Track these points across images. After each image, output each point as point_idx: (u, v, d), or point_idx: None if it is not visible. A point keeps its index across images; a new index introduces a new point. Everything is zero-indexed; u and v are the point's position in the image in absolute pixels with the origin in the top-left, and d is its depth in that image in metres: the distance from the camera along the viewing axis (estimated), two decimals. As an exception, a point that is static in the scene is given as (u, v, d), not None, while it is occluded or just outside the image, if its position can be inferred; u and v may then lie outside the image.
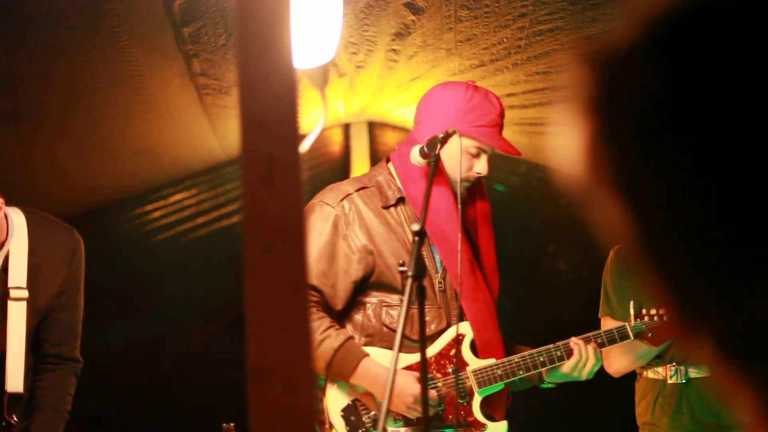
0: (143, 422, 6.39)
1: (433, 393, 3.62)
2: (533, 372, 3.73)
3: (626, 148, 0.88)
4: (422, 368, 2.76)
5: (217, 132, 5.67)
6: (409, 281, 2.71)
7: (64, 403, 4.11)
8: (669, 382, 4.46)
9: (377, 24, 4.46)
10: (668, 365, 4.44)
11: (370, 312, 3.66)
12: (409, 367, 3.60)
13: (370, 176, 3.83)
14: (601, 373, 4.72)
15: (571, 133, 0.94)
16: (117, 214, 6.61)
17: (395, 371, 2.60)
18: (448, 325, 3.69)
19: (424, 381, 2.85)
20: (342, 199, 3.69)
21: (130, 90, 4.91)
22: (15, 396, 3.97)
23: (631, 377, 4.72)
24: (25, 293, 3.99)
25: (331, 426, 3.63)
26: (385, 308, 3.66)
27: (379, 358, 3.60)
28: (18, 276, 4.00)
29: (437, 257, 3.73)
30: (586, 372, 3.71)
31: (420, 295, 2.73)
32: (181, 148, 5.80)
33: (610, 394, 5.46)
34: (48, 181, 5.78)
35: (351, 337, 3.61)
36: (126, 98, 5.01)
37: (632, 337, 3.90)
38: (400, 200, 3.73)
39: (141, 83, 4.85)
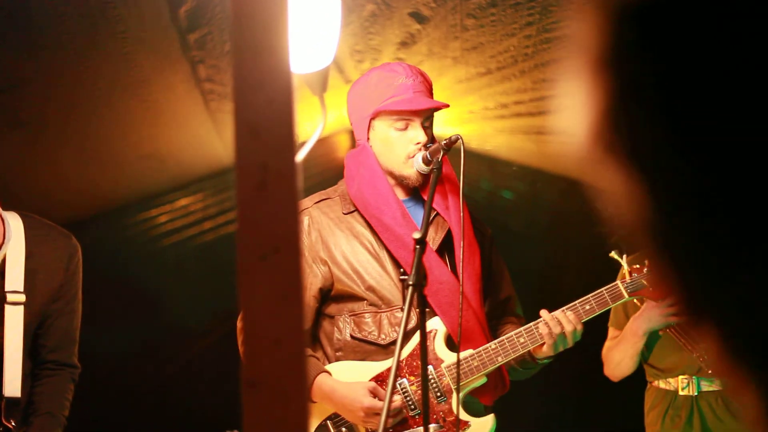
0: (147, 428, 6.38)
1: (396, 399, 3.48)
2: (516, 355, 3.52)
3: (642, 113, 0.84)
4: (423, 379, 2.72)
5: (222, 137, 5.66)
6: (410, 290, 2.66)
7: (61, 408, 4.09)
8: (680, 393, 4.42)
9: (382, 33, 4.45)
10: (680, 377, 4.41)
11: (339, 324, 3.59)
12: (379, 376, 3.52)
13: (336, 187, 3.76)
14: (607, 382, 4.71)
15: (578, 95, 0.90)
16: (122, 219, 6.61)
17: (394, 383, 2.56)
18: (417, 326, 3.55)
19: (425, 388, 2.79)
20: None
21: (135, 95, 4.90)
22: (12, 401, 3.96)
23: (639, 385, 4.69)
24: (22, 297, 3.98)
25: None
26: (352, 318, 3.57)
27: (347, 371, 3.52)
28: (15, 280, 3.98)
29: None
30: (570, 342, 3.50)
31: (422, 304, 2.69)
32: (187, 153, 5.79)
33: (618, 402, 5.44)
34: (51, 186, 5.78)
35: (309, 356, 3.54)
36: (131, 103, 5.00)
37: (627, 296, 3.63)
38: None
39: (146, 89, 4.85)
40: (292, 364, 1.56)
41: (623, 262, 3.78)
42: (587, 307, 3.56)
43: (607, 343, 4.63)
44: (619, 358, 4.51)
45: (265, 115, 1.58)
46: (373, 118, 3.56)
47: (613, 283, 3.63)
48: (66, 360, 4.16)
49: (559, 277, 6.72)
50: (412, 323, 3.42)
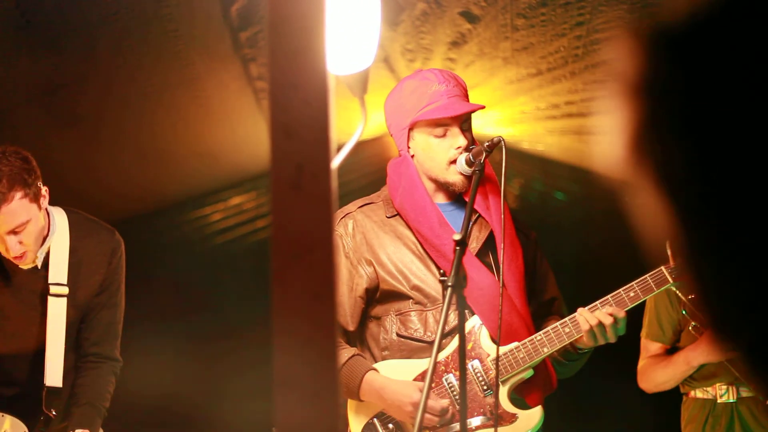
0: (198, 426, 6.43)
1: (443, 401, 3.50)
2: (562, 346, 3.51)
3: (673, 133, 0.85)
4: (461, 375, 2.72)
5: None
6: (449, 291, 2.67)
7: (102, 399, 4.15)
8: (719, 401, 4.35)
9: (433, 32, 4.44)
10: (718, 384, 4.34)
11: (386, 325, 3.62)
12: (426, 372, 3.51)
13: (379, 192, 3.81)
14: (641, 395, 4.66)
15: (616, 116, 0.92)
16: (177, 216, 6.67)
17: (431, 380, 2.57)
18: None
19: (463, 380, 2.79)
20: (342, 218, 3.69)
21: (188, 93, 4.95)
22: (54, 390, 4.03)
23: (674, 399, 4.63)
24: (65, 290, 4.05)
25: None
26: (398, 318, 3.60)
27: (392, 369, 3.56)
28: (58, 272, 4.05)
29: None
30: (611, 336, 3.46)
31: (461, 305, 2.69)
32: (240, 151, 5.83)
33: (653, 415, 5.38)
34: (108, 182, 5.85)
35: (356, 355, 3.57)
36: (184, 101, 5.05)
37: (671, 281, 3.53)
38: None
39: (199, 87, 4.89)
40: (324, 363, 1.57)
41: (667, 248, 3.71)
42: (632, 294, 3.53)
43: (647, 360, 4.55)
44: (663, 380, 4.45)
45: (300, 116, 1.59)
46: (411, 128, 3.58)
47: (658, 269, 3.55)
48: (108, 353, 4.22)
49: (609, 275, 6.67)
50: (455, 322, 3.43)
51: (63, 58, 4.30)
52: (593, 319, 3.46)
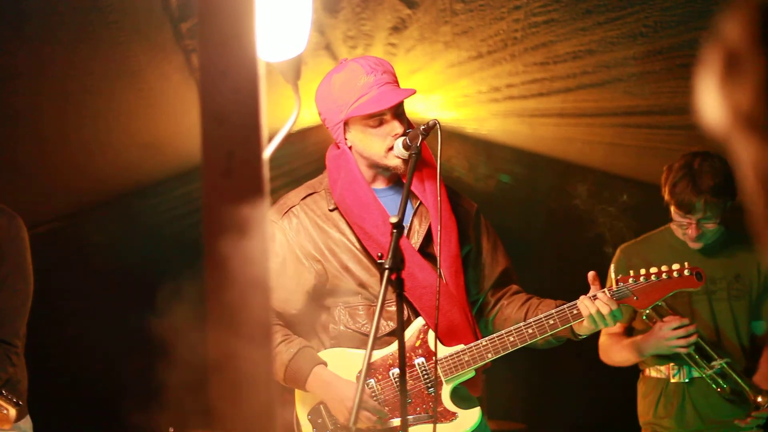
0: (171, 411, 6.42)
1: (378, 412, 3.58)
2: (506, 353, 3.61)
3: None
4: (401, 359, 2.76)
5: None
6: (386, 274, 2.70)
7: None
8: (672, 381, 4.46)
9: (374, 18, 4.46)
10: (671, 364, 4.44)
11: (334, 315, 3.67)
12: (372, 365, 3.59)
13: (321, 178, 3.83)
14: (603, 369, 4.75)
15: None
16: (124, 208, 6.64)
17: (367, 370, 2.60)
18: (410, 319, 3.65)
19: (403, 370, 2.82)
20: (285, 213, 3.71)
21: (131, 85, 4.93)
22: None
23: (632, 375, 4.73)
24: None
25: (300, 430, 3.65)
26: (346, 311, 3.66)
27: (340, 357, 3.62)
28: None
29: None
30: (610, 322, 3.56)
31: (399, 287, 2.72)
32: (184, 141, 5.81)
33: (613, 391, 5.46)
34: (55, 176, 5.81)
35: (306, 347, 3.63)
36: (127, 93, 5.03)
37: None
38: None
39: (141, 78, 4.87)
40: (257, 344, 1.59)
41: (611, 271, 3.86)
42: (551, 322, 3.62)
43: (606, 336, 4.67)
44: (619, 360, 4.60)
45: (230, 103, 1.61)
46: (346, 122, 3.61)
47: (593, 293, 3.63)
48: (3, 337, 4.19)
49: (557, 260, 6.74)
50: (404, 317, 3.48)
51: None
52: (589, 308, 3.54)
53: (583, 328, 3.61)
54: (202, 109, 1.63)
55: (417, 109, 5.77)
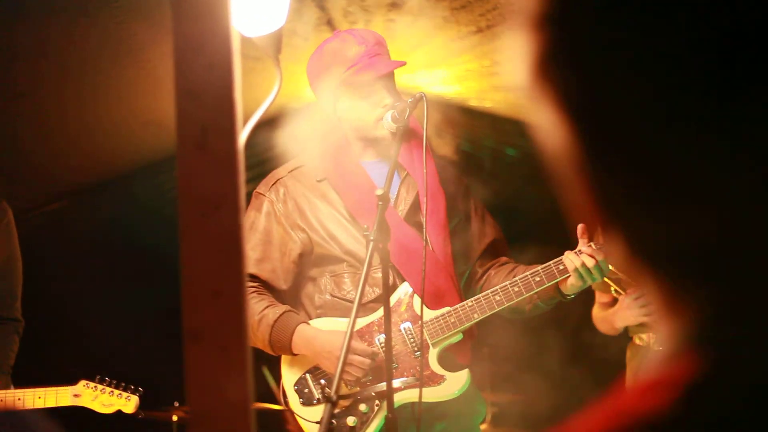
0: (169, 385, 6.48)
1: (372, 348, 3.60)
2: (491, 313, 3.61)
3: (578, 65, 0.86)
4: (386, 324, 2.79)
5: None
6: (371, 245, 2.73)
7: (6, 358, 4.23)
8: (653, 349, 4.47)
9: (373, -7, 4.48)
10: (652, 332, 4.45)
11: (320, 284, 3.69)
12: (358, 332, 3.62)
13: (309, 153, 3.85)
14: (594, 335, 4.79)
15: (521, 50, 0.93)
16: (131, 185, 6.68)
17: (351, 334, 2.62)
18: (395, 284, 3.66)
19: (388, 343, 2.86)
20: (273, 185, 3.75)
21: (133, 64, 4.96)
22: None
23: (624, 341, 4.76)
24: None
25: (287, 402, 3.68)
26: (332, 279, 3.68)
27: (327, 326, 3.63)
28: None
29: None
30: (596, 275, 3.53)
31: (384, 258, 2.75)
32: (187, 120, 5.83)
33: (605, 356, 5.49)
34: (60, 156, 5.85)
35: (288, 311, 3.64)
36: (129, 72, 5.06)
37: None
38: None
39: (143, 57, 4.90)
40: (232, 315, 1.61)
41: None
42: (537, 279, 3.62)
43: (596, 306, 4.72)
44: (604, 330, 4.65)
45: (204, 78, 1.62)
46: (336, 92, 3.63)
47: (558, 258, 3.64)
48: (8, 314, 4.27)
49: (563, 225, 6.73)
50: (390, 284, 3.51)
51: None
52: (574, 262, 3.53)
53: (570, 286, 3.59)
54: (176, 85, 1.65)
55: (420, 84, 5.79)
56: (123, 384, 4.34)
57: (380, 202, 2.79)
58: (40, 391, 4.26)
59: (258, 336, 3.60)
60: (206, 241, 1.60)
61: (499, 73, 5.51)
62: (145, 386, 4.64)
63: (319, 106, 3.75)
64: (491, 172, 6.57)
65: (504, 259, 3.90)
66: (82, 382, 4.33)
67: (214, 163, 1.62)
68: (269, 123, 6.12)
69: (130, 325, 6.13)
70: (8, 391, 4.25)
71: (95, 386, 4.31)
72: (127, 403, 4.31)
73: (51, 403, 4.27)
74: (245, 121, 2.06)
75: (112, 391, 4.31)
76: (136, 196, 6.65)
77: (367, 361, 3.50)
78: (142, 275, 6.37)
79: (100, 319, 6.03)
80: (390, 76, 3.64)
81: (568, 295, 3.65)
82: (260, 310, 3.59)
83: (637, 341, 4.53)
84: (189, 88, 1.61)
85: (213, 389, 1.59)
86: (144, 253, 6.33)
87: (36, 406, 4.24)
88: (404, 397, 3.60)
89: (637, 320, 4.27)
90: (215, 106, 1.61)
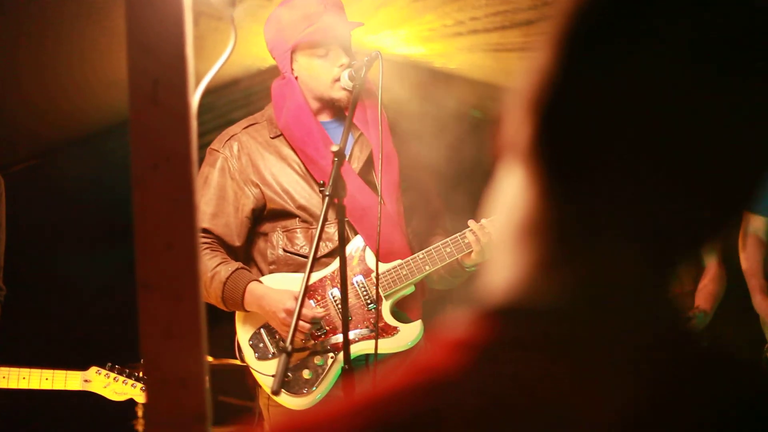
0: (129, 346, 6.50)
1: (317, 310, 3.65)
2: (443, 264, 3.66)
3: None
4: (342, 282, 2.82)
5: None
6: (326, 200, 2.75)
7: None
8: None
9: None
10: None
11: (273, 240, 3.71)
12: (311, 286, 3.65)
13: (263, 112, 3.88)
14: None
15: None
16: (96, 146, 6.66)
17: (306, 289, 2.64)
18: (348, 239, 3.69)
19: (344, 296, 2.89)
20: (227, 141, 3.77)
21: (96, 23, 4.93)
22: None
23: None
24: None
25: (242, 356, 3.72)
26: (284, 234, 3.71)
27: (280, 282, 3.66)
28: None
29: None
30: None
31: (340, 213, 2.78)
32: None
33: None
34: (17, 116, 5.82)
35: (240, 268, 3.68)
36: (92, 31, 5.03)
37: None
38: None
39: (106, 16, 4.87)
40: (184, 266, 1.65)
41: None
42: (448, 250, 3.67)
43: None
44: None
45: (157, 32, 1.65)
46: (293, 51, 3.65)
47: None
48: None
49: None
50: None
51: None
52: (484, 236, 3.59)
53: (472, 259, 3.67)
54: (128, 39, 1.67)
55: (384, 44, 5.79)
56: (135, 374, 4.34)
57: (336, 159, 2.82)
58: (47, 373, 4.26)
59: (211, 293, 3.63)
60: (158, 192, 1.63)
61: (463, 34, 5.52)
62: (120, 340, 4.66)
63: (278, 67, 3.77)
64: (455, 133, 6.58)
65: (441, 231, 3.92)
66: (94, 368, 4.33)
67: (166, 117, 1.64)
68: (234, 83, 6.13)
69: (103, 280, 6.14)
70: (13, 368, 4.25)
71: (107, 373, 4.31)
72: (142, 393, 4.32)
73: (59, 386, 4.27)
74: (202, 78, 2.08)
75: (125, 380, 4.31)
76: (107, 154, 6.62)
77: (308, 326, 3.55)
78: (114, 232, 6.37)
79: (74, 276, 6.03)
80: (347, 36, 3.66)
81: (468, 267, 3.71)
82: (213, 267, 3.61)
83: None
84: (141, 42, 1.63)
85: (166, 338, 1.63)
86: (118, 209, 6.33)
87: (42, 387, 4.24)
88: (359, 349, 3.66)
89: None
90: (167, 60, 1.63)
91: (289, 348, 2.48)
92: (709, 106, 0.83)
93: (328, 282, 3.64)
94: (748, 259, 4.51)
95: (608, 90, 0.85)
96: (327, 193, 2.75)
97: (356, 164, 3.71)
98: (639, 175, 0.85)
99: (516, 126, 0.95)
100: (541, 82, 0.91)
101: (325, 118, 3.76)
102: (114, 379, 4.28)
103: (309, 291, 3.63)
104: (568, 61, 0.89)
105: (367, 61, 3.51)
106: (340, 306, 3.63)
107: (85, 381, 4.28)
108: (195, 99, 1.82)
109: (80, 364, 4.37)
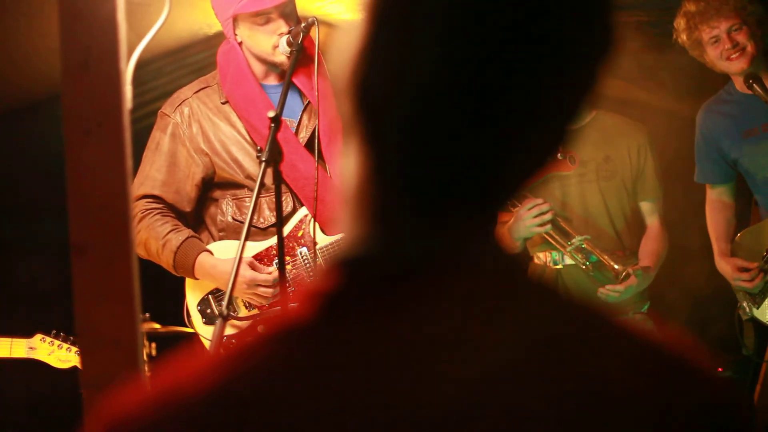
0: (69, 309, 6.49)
1: (273, 271, 3.66)
2: None
3: None
4: (279, 249, 2.85)
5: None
6: (263, 166, 2.76)
7: None
8: (548, 266, 4.55)
9: None
10: (548, 251, 4.52)
11: (222, 207, 3.73)
12: (257, 255, 3.67)
13: (215, 73, 3.85)
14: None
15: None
16: (46, 113, 6.62)
17: (240, 259, 2.66)
18: (294, 210, 3.72)
19: (281, 262, 2.91)
20: (178, 106, 3.74)
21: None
22: None
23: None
24: None
25: (191, 321, 3.74)
26: (234, 202, 3.71)
27: (227, 249, 3.68)
28: None
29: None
30: None
31: (277, 179, 2.79)
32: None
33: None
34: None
35: (191, 236, 3.69)
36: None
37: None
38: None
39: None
40: (117, 230, 1.67)
41: None
42: None
43: (498, 226, 4.78)
44: (507, 247, 4.67)
45: (88, 0, 1.66)
46: (235, 19, 3.65)
47: None
48: None
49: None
50: (289, 208, 3.63)
51: None
52: None
53: None
54: (59, 6, 1.68)
55: (331, 11, 5.79)
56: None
57: (272, 124, 2.82)
58: None
59: (162, 260, 3.63)
60: (90, 157, 1.65)
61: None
62: (70, 309, 4.65)
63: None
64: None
65: None
66: (38, 336, 4.32)
67: (98, 83, 1.66)
68: (183, 49, 6.12)
69: (62, 246, 6.12)
70: None
71: (51, 341, 4.31)
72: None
73: (4, 353, 4.26)
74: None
75: (69, 348, 4.30)
76: (50, 122, 6.59)
77: (271, 289, 3.57)
78: (54, 203, 6.35)
79: (31, 240, 6.02)
80: (288, 3, 3.65)
81: None
82: (164, 234, 3.61)
83: (536, 260, 4.61)
84: (73, 9, 1.65)
85: (99, 300, 1.65)
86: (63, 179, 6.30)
87: None
88: None
89: (528, 231, 4.31)
90: (99, 26, 1.65)
91: (225, 312, 2.50)
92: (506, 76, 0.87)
93: (274, 252, 3.63)
94: (711, 224, 4.61)
95: (412, 66, 0.88)
96: (263, 159, 2.76)
97: (304, 133, 3.69)
98: (458, 133, 0.89)
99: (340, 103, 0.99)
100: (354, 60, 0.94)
101: (271, 81, 3.75)
102: (58, 346, 4.29)
103: (257, 259, 3.65)
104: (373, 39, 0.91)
105: (304, 26, 3.49)
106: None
107: (30, 348, 4.29)
108: (130, 66, 1.84)
109: (27, 332, 4.36)
